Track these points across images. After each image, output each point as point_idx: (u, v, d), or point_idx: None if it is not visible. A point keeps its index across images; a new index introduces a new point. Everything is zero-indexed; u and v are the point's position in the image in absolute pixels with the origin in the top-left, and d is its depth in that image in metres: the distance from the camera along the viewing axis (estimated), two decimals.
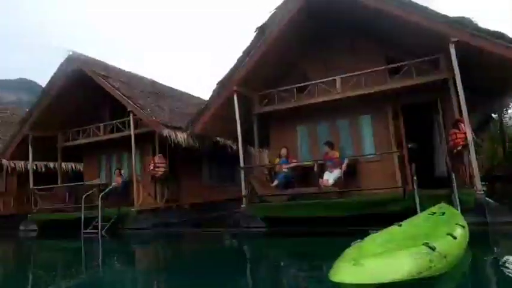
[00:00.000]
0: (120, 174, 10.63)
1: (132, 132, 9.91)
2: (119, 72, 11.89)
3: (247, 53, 8.07)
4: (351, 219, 6.19)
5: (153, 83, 13.59)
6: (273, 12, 7.64)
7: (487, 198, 5.84)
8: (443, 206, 5.04)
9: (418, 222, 4.42)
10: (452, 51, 6.16)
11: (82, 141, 11.64)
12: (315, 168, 7.63)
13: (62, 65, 10.80)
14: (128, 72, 12.56)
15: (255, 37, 7.93)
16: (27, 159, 11.78)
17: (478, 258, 3.95)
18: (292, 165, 8.09)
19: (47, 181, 11.81)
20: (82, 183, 11.29)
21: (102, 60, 11.81)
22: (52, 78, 11.08)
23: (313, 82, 8.22)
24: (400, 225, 4.02)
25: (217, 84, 8.57)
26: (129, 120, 10.11)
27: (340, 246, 3.15)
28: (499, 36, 6.04)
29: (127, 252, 6.89)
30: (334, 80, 7.87)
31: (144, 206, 9.74)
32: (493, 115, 10.90)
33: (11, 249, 8.87)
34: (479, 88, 7.72)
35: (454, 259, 3.05)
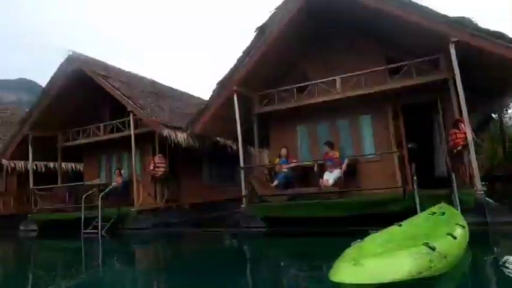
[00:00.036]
0: (120, 174, 10.63)
1: (132, 132, 9.91)
2: (119, 72, 11.90)
3: (247, 53, 8.07)
4: (351, 219, 6.19)
5: (153, 83, 13.59)
6: (273, 12, 7.64)
7: (487, 198, 5.84)
8: (443, 206, 5.04)
9: (418, 222, 4.42)
10: (452, 51, 6.16)
11: (82, 141, 11.64)
12: (315, 168, 7.63)
13: (62, 65, 10.80)
14: (127, 72, 12.56)
15: (255, 37, 7.93)
16: (27, 159, 11.78)
17: (478, 258, 3.95)
18: (292, 165, 8.09)
19: (47, 181, 11.81)
20: (82, 183, 11.29)
21: (102, 60, 11.81)
22: (52, 78, 11.08)
23: (313, 82, 8.22)
24: (400, 225, 4.02)
25: (217, 84, 8.57)
26: (129, 120, 10.11)
27: (340, 246, 3.15)
28: (499, 36, 6.04)
29: (127, 252, 6.89)
30: (334, 80, 7.88)
31: (144, 206, 9.74)
32: (493, 115, 10.91)
33: (11, 249, 8.87)
34: (479, 88, 7.72)
35: (454, 259, 3.05)
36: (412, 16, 6.45)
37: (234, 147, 11.51)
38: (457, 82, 6.23)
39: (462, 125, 6.28)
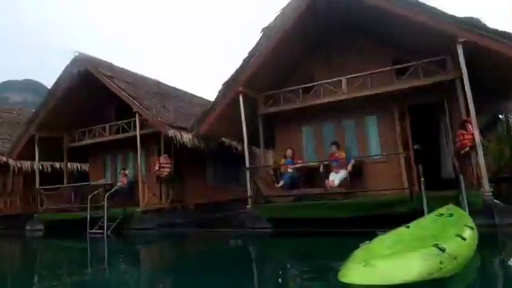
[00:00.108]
0: (126, 175, 10.67)
1: (137, 133, 9.94)
2: (124, 72, 11.95)
3: (252, 53, 8.07)
4: (356, 220, 6.17)
5: (158, 83, 13.64)
6: (279, 12, 7.63)
7: (495, 200, 5.78)
8: (451, 208, 5.00)
9: (426, 223, 4.40)
10: (460, 51, 6.12)
11: (88, 141, 11.70)
12: (321, 169, 7.61)
13: (67, 66, 10.87)
14: (133, 72, 12.61)
15: (261, 38, 7.92)
16: (33, 159, 11.87)
17: (487, 260, 3.92)
18: (297, 165, 8.08)
19: (53, 181, 11.90)
20: (88, 183, 11.34)
21: (107, 60, 11.85)
22: (58, 79, 11.15)
23: (319, 83, 8.21)
24: (408, 227, 4.00)
25: (222, 85, 8.58)
26: (134, 121, 10.15)
27: (346, 247, 3.14)
28: (507, 36, 5.99)
29: (133, 253, 6.91)
30: (340, 80, 7.85)
31: (149, 206, 9.77)
32: (500, 116, 10.83)
33: (18, 249, 8.94)
34: (486, 89, 7.66)
35: (464, 260, 3.03)
36: (419, 16, 6.42)
37: (239, 147, 11.52)
38: (464, 82, 6.19)
39: (469, 125, 6.24)
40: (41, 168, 12.28)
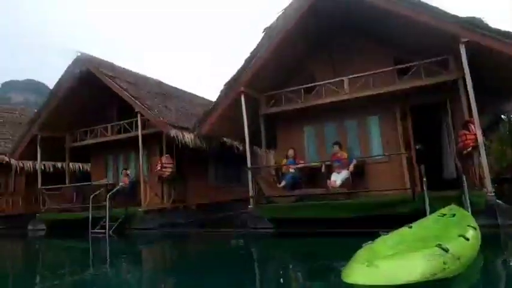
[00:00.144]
0: (127, 175, 10.69)
1: (139, 133, 9.96)
2: (126, 72, 11.97)
3: (254, 53, 8.06)
4: (358, 220, 6.17)
5: (160, 83, 13.66)
6: (281, 12, 7.63)
7: (498, 200, 5.77)
8: (453, 208, 5.00)
9: (429, 224, 4.40)
10: (463, 51, 6.11)
11: (89, 141, 11.73)
12: (323, 169, 7.60)
13: (69, 66, 10.89)
14: (134, 72, 12.64)
15: (263, 38, 7.92)
16: (35, 159, 11.89)
17: (491, 260, 3.91)
18: (299, 166, 8.08)
19: (55, 181, 11.92)
20: (90, 183, 11.37)
21: (109, 60, 11.87)
22: (60, 79, 11.18)
23: (321, 83, 8.20)
24: (411, 227, 4.00)
25: (224, 85, 8.58)
26: (136, 121, 10.18)
27: (349, 247, 3.14)
28: (509, 36, 5.97)
29: (136, 252, 6.92)
30: (342, 80, 7.85)
31: (151, 206, 9.79)
32: (502, 116, 10.80)
33: (21, 249, 8.95)
34: (488, 89, 7.64)
35: (467, 261, 3.03)
36: (421, 16, 6.40)
37: (241, 148, 11.52)
38: (467, 83, 6.18)
39: (472, 126, 6.22)
40: (43, 168, 12.31)
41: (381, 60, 7.94)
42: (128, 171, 10.92)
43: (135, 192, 10.29)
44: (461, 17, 6.17)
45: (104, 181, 11.24)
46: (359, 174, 7.62)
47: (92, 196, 9.62)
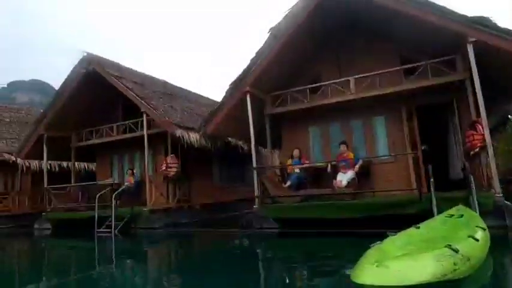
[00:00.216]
0: (133, 174, 10.73)
1: (145, 133, 9.99)
2: (132, 72, 12.02)
3: (260, 53, 8.05)
4: (364, 221, 6.15)
5: (165, 83, 13.70)
6: (287, 12, 7.61)
7: (506, 201, 5.72)
8: (460, 208, 4.97)
9: (436, 224, 4.36)
10: (470, 51, 6.05)
11: (95, 141, 11.79)
12: (329, 169, 7.58)
13: (75, 66, 10.96)
14: (140, 72, 12.68)
15: (268, 38, 7.91)
16: (41, 158, 11.98)
17: (501, 262, 3.88)
18: (304, 166, 8.06)
19: (60, 180, 12.01)
20: (95, 182, 11.42)
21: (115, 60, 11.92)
22: (66, 79, 11.25)
23: (327, 83, 8.18)
24: (418, 228, 3.97)
25: (230, 85, 8.58)
26: (141, 121, 10.21)
27: (355, 247, 3.13)
28: None
29: (142, 252, 6.93)
30: (348, 80, 7.82)
31: (156, 206, 9.82)
32: (510, 116, 10.70)
33: (27, 247, 9.00)
34: (495, 89, 7.58)
35: (477, 262, 3.00)
36: (429, 16, 6.36)
37: (245, 147, 11.52)
38: (474, 82, 6.12)
39: (479, 126, 6.18)
40: (48, 167, 12.37)
41: (387, 60, 7.91)
42: (134, 171, 10.96)
43: (140, 192, 10.33)
44: (469, 17, 6.12)
45: (109, 180, 11.29)
46: (365, 174, 7.60)
47: (98, 195, 9.66)
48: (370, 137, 8.31)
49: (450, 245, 2.80)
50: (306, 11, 7.45)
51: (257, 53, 8.08)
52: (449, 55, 6.91)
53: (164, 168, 9.85)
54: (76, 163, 12.89)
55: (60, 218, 10.89)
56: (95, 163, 13.49)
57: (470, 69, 6.24)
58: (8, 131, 14.98)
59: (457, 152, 7.68)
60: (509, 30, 5.94)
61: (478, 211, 5.21)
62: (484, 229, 3.77)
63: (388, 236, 3.50)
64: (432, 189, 5.70)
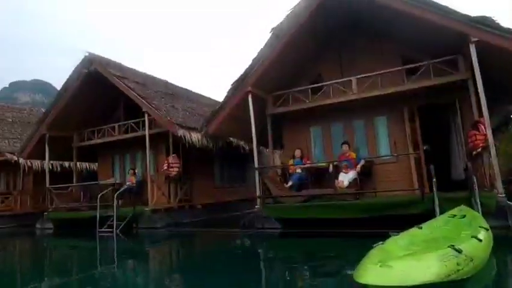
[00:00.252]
0: (134, 174, 10.74)
1: (146, 133, 10.00)
2: (134, 72, 12.02)
3: (262, 53, 8.05)
4: (366, 221, 6.15)
5: (166, 83, 13.71)
6: (289, 12, 7.60)
7: (509, 202, 5.70)
8: (463, 209, 4.96)
9: (439, 224, 4.36)
10: (473, 51, 6.04)
11: (97, 141, 11.80)
12: (330, 169, 7.57)
13: (77, 66, 10.98)
14: (142, 72, 12.70)
15: (270, 37, 7.90)
16: (43, 158, 12.00)
17: (504, 262, 3.87)
18: (306, 166, 8.06)
19: (62, 180, 12.03)
20: (97, 182, 11.43)
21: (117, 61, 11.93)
22: (68, 79, 11.27)
23: (329, 83, 8.17)
24: (421, 228, 3.97)
25: (231, 85, 8.58)
26: (143, 121, 10.22)
27: (358, 247, 3.14)
28: None
29: (144, 251, 6.94)
30: (350, 80, 7.81)
31: (158, 206, 9.82)
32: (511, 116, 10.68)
33: (30, 247, 9.03)
34: (497, 89, 7.56)
35: (480, 262, 3.00)
36: (431, 16, 6.34)
37: (247, 147, 11.54)
38: (477, 82, 6.11)
39: (482, 126, 6.16)
40: (50, 167, 12.41)
41: (389, 60, 7.90)
42: (136, 170, 10.97)
43: (142, 192, 10.33)
44: (471, 16, 6.11)
45: (111, 180, 11.31)
46: (366, 174, 7.59)
47: (99, 195, 9.67)
48: (371, 137, 8.30)
49: (453, 246, 2.80)
50: (308, 11, 7.45)
51: (259, 53, 8.07)
52: (451, 55, 6.89)
53: (166, 168, 9.85)
54: (78, 163, 12.92)
55: (62, 218, 10.91)
56: (96, 163, 13.50)
57: (472, 69, 6.23)
58: (10, 131, 15.01)
59: (459, 152, 7.67)
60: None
61: (480, 211, 5.21)
62: (487, 229, 3.76)
63: (390, 236, 3.51)
64: (435, 189, 5.70)
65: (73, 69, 11.09)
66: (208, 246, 7.08)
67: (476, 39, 6.01)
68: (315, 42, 8.62)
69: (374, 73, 7.61)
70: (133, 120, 10.90)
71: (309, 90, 8.42)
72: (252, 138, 8.25)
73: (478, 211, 5.21)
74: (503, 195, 5.73)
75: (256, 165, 8.12)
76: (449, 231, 3.95)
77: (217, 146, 10.45)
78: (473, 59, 6.07)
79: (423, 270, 2.48)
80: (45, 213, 11.31)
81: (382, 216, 6.04)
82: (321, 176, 8.05)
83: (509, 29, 5.96)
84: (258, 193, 7.76)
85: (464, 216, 4.56)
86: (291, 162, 8.31)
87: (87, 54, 10.87)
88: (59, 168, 13.47)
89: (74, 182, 12.06)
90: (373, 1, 6.87)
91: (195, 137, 9.77)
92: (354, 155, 7.61)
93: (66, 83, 11.34)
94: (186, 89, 15.13)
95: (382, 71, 7.52)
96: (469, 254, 2.81)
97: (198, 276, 4.02)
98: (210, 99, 15.93)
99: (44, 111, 12.85)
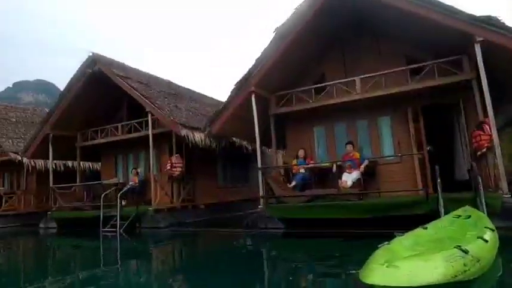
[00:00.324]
0: (137, 174, 10.76)
1: (150, 132, 10.01)
2: (137, 72, 12.05)
3: (265, 53, 8.04)
4: (370, 221, 6.12)
5: (169, 83, 13.72)
6: (292, 12, 7.59)
7: None
8: (468, 209, 4.94)
9: (444, 225, 4.34)
10: (478, 50, 6.01)
11: (100, 141, 11.84)
12: (334, 169, 7.56)
13: (81, 66, 11.02)
14: (145, 72, 12.71)
15: (274, 37, 7.89)
16: (47, 158, 12.05)
17: (510, 263, 3.83)
18: (309, 166, 8.04)
19: (65, 180, 12.08)
20: (100, 182, 11.46)
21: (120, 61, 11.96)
22: (71, 79, 11.31)
23: (332, 82, 8.16)
24: (426, 228, 3.95)
25: (235, 85, 8.58)
26: (146, 120, 10.24)
27: (362, 248, 3.13)
28: None
29: (147, 251, 6.95)
30: (353, 80, 7.79)
31: (161, 206, 9.83)
32: None
33: (34, 246, 9.06)
34: (502, 89, 7.52)
35: (486, 263, 2.98)
36: (436, 15, 6.31)
37: (250, 147, 11.53)
38: (482, 83, 6.07)
39: (487, 126, 6.13)
40: (54, 167, 12.45)
41: (393, 60, 7.88)
42: (139, 170, 10.99)
43: (145, 191, 10.35)
44: (476, 16, 6.08)
45: (114, 180, 11.33)
46: (370, 174, 7.56)
47: (103, 195, 9.69)
48: (375, 138, 8.28)
49: (460, 246, 2.78)
50: (312, 10, 7.43)
51: (262, 53, 8.07)
52: (455, 55, 6.86)
53: (169, 167, 9.87)
54: (81, 163, 12.95)
55: (65, 217, 10.95)
56: (99, 163, 13.54)
57: (477, 69, 6.20)
58: (14, 131, 15.08)
59: (463, 153, 7.63)
60: None
61: (485, 212, 5.17)
62: (493, 230, 3.74)
63: (395, 236, 3.49)
64: (439, 189, 5.66)
65: (77, 69, 11.14)
66: (211, 246, 7.08)
67: (481, 39, 5.98)
68: (318, 41, 8.61)
69: (378, 73, 7.59)
70: (136, 120, 10.92)
71: (313, 90, 8.40)
72: (255, 138, 8.25)
73: (483, 212, 5.17)
74: (509, 195, 5.69)
75: (259, 165, 8.12)
76: (455, 231, 3.93)
77: (221, 146, 10.44)
78: (478, 58, 6.03)
79: (430, 270, 2.47)
80: (49, 212, 11.36)
81: (386, 216, 6.02)
82: (325, 176, 8.03)
83: None
84: (261, 193, 7.76)
85: (469, 216, 4.53)
86: (294, 162, 8.30)
87: (91, 54, 10.90)
88: (62, 168, 13.51)
89: (77, 181, 12.10)
90: (378, 0, 6.85)
91: (198, 136, 9.77)
92: (357, 155, 7.59)
93: (69, 82, 11.39)
94: (189, 89, 15.13)
95: (386, 71, 7.51)
96: (475, 255, 2.79)
97: (201, 276, 4.02)
98: (212, 99, 15.93)
99: (47, 111, 12.90)
